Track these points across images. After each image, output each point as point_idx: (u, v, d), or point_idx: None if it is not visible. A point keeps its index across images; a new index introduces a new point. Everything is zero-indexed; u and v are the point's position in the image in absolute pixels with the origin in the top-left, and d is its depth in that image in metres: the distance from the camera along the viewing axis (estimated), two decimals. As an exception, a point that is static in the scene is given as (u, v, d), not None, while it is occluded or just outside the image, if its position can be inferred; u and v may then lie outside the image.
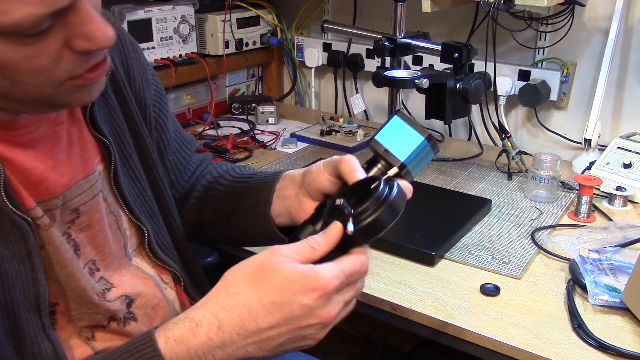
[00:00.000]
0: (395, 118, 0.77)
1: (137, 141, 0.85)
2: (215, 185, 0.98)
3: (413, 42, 1.22)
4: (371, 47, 1.24)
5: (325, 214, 0.73)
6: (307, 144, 1.65)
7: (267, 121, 1.79)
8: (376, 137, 0.76)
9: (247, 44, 1.84)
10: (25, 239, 0.66)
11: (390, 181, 0.70)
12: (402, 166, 0.74)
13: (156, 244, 0.87)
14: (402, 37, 1.21)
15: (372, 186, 0.69)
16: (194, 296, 0.92)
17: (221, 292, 0.67)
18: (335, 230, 0.68)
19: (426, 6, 1.32)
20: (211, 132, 1.68)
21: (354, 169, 0.75)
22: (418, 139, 0.75)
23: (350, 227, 0.67)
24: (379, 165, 0.76)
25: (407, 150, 0.75)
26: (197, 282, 0.94)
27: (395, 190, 0.69)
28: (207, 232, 0.98)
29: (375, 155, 0.77)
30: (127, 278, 0.82)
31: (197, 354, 0.64)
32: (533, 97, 1.51)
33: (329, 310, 0.65)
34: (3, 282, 0.65)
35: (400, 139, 0.76)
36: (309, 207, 0.81)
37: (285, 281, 0.64)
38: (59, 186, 0.72)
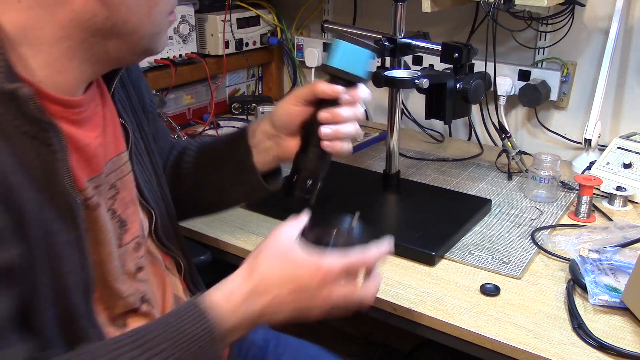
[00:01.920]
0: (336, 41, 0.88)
1: (139, 128, 0.89)
2: (186, 158, 1.01)
3: (413, 42, 1.21)
4: (371, 47, 1.24)
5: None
6: (307, 144, 1.65)
7: (267, 121, 1.79)
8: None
9: (247, 44, 1.84)
10: (76, 223, 0.68)
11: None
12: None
13: (161, 229, 0.89)
14: (402, 37, 1.21)
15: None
16: (191, 287, 0.95)
17: (247, 267, 0.74)
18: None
19: (426, 6, 1.32)
20: (211, 132, 1.68)
21: (318, 83, 0.87)
22: (337, 43, 0.86)
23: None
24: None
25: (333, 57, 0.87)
26: (192, 273, 0.96)
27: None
28: (188, 203, 1.01)
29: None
30: (147, 260, 0.86)
31: (237, 315, 0.70)
32: (533, 97, 1.51)
33: (330, 290, 0.73)
34: (57, 266, 0.66)
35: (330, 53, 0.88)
36: (293, 144, 0.91)
37: (300, 261, 0.73)
38: (103, 161, 0.75)
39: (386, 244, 0.77)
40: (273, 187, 0.98)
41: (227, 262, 1.17)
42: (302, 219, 0.78)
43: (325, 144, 0.87)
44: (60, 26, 0.65)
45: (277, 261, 0.73)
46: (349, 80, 0.87)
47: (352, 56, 0.86)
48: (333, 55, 0.87)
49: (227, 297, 0.71)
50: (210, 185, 0.99)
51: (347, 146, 0.89)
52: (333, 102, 0.87)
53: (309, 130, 0.89)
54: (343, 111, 0.86)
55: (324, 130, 0.86)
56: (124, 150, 0.82)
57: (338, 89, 0.86)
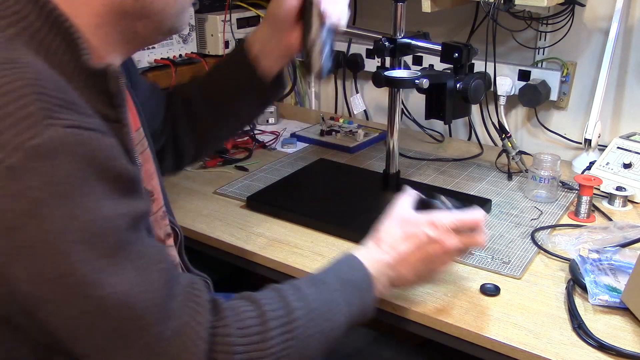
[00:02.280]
0: None
1: (135, 105, 0.92)
2: (192, 108, 1.06)
3: (413, 42, 1.21)
4: (371, 47, 1.24)
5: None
6: (307, 144, 1.65)
7: (267, 121, 1.79)
8: None
9: (247, 44, 1.83)
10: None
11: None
12: None
13: (163, 201, 0.93)
14: (402, 37, 1.21)
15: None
16: (183, 258, 0.97)
17: (372, 239, 0.90)
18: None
19: (426, 6, 1.32)
20: (211, 132, 1.68)
21: None
22: None
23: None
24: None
25: None
26: (182, 246, 0.98)
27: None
28: (204, 141, 1.11)
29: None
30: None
31: (376, 269, 0.86)
32: (533, 97, 1.51)
33: (445, 239, 0.88)
34: None
35: None
36: (294, 35, 0.98)
37: (415, 220, 0.90)
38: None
39: (482, 212, 0.92)
40: (284, 89, 1.09)
41: (227, 262, 1.17)
42: (411, 193, 0.95)
43: (327, 18, 0.93)
44: (97, 13, 0.68)
45: (397, 224, 0.90)
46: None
47: None
48: None
49: (364, 255, 0.86)
50: (226, 118, 1.07)
51: (344, 18, 0.97)
52: None
53: (308, 13, 0.95)
54: None
55: (324, 5, 0.93)
56: (140, 126, 0.87)
57: None
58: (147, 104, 0.98)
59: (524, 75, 1.56)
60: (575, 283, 0.99)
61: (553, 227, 1.20)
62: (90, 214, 0.59)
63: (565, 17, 1.47)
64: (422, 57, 1.69)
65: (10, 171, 0.55)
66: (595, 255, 1.04)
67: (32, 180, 0.55)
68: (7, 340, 0.66)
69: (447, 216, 0.89)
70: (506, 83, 1.57)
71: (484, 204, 1.25)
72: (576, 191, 1.27)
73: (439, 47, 1.19)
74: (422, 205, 0.94)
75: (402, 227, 0.89)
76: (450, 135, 1.76)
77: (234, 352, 0.67)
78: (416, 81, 1.11)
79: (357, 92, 1.87)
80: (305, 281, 0.80)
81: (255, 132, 1.70)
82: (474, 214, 0.91)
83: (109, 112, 0.67)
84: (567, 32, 1.48)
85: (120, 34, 0.71)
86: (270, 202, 1.26)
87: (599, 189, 1.30)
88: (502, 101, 1.59)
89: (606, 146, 1.42)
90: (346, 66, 1.84)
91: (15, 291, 0.59)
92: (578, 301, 0.96)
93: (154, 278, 0.63)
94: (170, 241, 0.91)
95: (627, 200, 1.29)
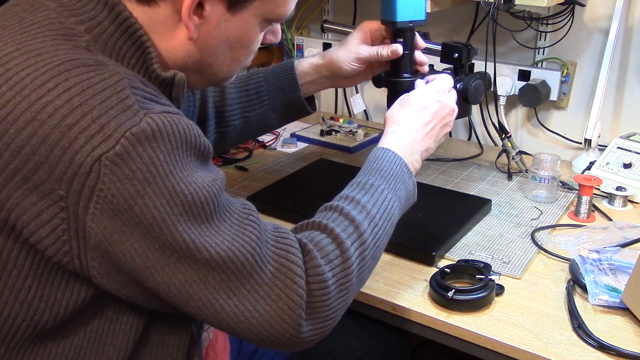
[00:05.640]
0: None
1: None
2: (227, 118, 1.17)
3: (413, 42, 1.21)
4: (371, 47, 1.24)
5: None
6: (307, 144, 1.65)
7: (267, 121, 1.79)
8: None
9: (247, 44, 1.83)
10: None
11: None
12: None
13: None
14: (402, 37, 1.21)
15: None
16: None
17: (389, 126, 0.99)
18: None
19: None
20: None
21: (385, 50, 1.10)
22: None
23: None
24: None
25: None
26: None
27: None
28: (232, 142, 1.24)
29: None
30: None
31: (407, 147, 0.95)
32: (533, 97, 1.51)
33: (448, 101, 1.03)
34: None
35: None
36: (350, 80, 1.20)
37: (422, 94, 1.02)
38: None
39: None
40: (313, 111, 1.22)
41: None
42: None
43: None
44: (168, 49, 0.75)
45: (406, 103, 1.01)
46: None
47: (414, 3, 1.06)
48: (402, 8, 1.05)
49: (393, 144, 0.94)
50: (258, 127, 1.21)
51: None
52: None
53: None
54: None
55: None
56: None
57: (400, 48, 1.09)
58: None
59: (524, 75, 1.56)
60: (575, 283, 0.99)
61: (553, 227, 1.20)
62: (191, 186, 0.65)
63: (565, 17, 1.47)
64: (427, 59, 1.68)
65: (118, 158, 0.61)
66: (595, 255, 1.04)
67: (138, 164, 0.62)
68: (109, 308, 0.72)
69: (441, 82, 1.04)
70: (506, 83, 1.56)
71: (484, 204, 1.25)
72: (576, 191, 1.27)
73: (439, 47, 1.19)
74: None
75: (413, 104, 1.00)
76: (450, 136, 1.76)
77: (325, 279, 0.73)
78: (416, 81, 1.11)
79: (357, 92, 1.87)
80: (356, 190, 0.86)
81: (255, 132, 1.70)
82: (447, 77, 1.06)
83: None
84: (567, 32, 1.48)
85: (179, 68, 0.77)
86: (271, 202, 1.26)
87: (599, 189, 1.30)
88: (502, 101, 1.59)
89: (606, 146, 1.42)
90: (346, 66, 1.84)
91: (125, 265, 0.65)
92: (578, 301, 0.96)
93: (247, 231, 0.70)
94: None
95: (627, 200, 1.29)
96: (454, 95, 1.06)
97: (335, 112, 1.97)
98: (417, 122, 0.98)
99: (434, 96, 1.01)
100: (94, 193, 0.61)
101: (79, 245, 0.63)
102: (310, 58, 1.18)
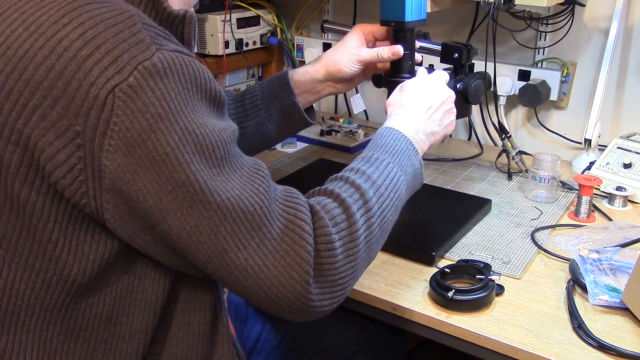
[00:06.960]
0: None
1: None
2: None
3: (413, 42, 1.21)
4: (371, 47, 1.24)
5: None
6: (307, 144, 1.65)
7: (267, 121, 1.79)
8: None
9: (247, 44, 1.84)
10: None
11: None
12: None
13: None
14: (402, 37, 1.21)
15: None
16: None
17: (391, 109, 1.01)
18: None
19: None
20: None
21: (385, 53, 1.13)
22: None
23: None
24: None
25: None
26: None
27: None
28: None
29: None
30: None
31: (412, 127, 0.96)
32: (533, 97, 1.51)
33: (447, 89, 1.04)
34: None
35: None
36: (348, 84, 1.20)
37: (420, 79, 1.05)
38: None
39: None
40: (313, 122, 1.21)
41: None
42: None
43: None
44: None
45: (412, 87, 1.03)
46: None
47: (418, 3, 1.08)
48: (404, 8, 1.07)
49: (398, 124, 0.95)
50: (255, 138, 1.19)
51: None
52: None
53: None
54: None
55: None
56: None
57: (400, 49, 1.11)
58: None
59: (524, 75, 1.56)
60: (575, 283, 0.99)
61: (553, 227, 1.20)
62: (202, 128, 0.66)
63: (565, 17, 1.47)
64: (422, 57, 1.68)
65: (131, 89, 0.61)
66: (595, 255, 1.04)
67: (150, 97, 0.62)
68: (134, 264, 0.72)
69: (436, 74, 1.06)
70: (506, 83, 1.57)
71: (484, 204, 1.25)
72: (576, 191, 1.27)
73: (439, 47, 1.19)
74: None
75: (413, 88, 1.02)
76: (450, 136, 1.76)
77: (332, 240, 0.74)
78: (418, 69, 1.12)
79: (357, 92, 1.87)
80: (361, 163, 0.87)
81: (255, 132, 1.70)
82: (442, 72, 1.09)
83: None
84: (567, 32, 1.48)
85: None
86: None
87: (599, 189, 1.30)
88: (502, 101, 1.59)
89: (606, 146, 1.42)
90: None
91: (138, 207, 0.65)
92: (578, 301, 0.96)
93: (256, 184, 0.71)
94: None
95: (627, 200, 1.29)
96: (449, 89, 1.07)
97: (335, 112, 1.97)
98: (419, 103, 0.99)
99: (431, 82, 1.04)
100: (109, 127, 0.62)
101: (95, 186, 0.64)
102: (304, 65, 1.19)
